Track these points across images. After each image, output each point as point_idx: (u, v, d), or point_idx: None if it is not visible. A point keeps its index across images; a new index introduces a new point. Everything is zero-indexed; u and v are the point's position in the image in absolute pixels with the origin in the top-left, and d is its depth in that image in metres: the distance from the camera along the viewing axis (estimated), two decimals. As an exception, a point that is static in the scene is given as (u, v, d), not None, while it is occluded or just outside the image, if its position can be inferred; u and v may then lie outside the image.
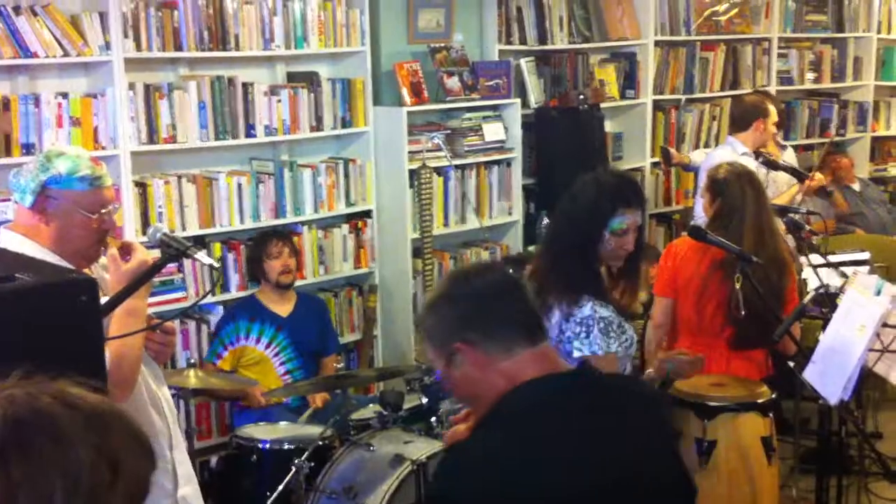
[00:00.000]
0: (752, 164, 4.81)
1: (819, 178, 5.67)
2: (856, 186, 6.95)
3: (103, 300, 2.34)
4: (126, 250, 2.56)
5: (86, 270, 2.54)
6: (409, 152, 5.20)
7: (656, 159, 6.37)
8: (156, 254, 2.66)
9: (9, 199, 4.07)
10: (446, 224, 5.52)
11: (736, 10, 6.78)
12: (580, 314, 2.94)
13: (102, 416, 1.12)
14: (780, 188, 5.50)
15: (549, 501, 1.75)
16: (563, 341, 3.01)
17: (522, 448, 1.78)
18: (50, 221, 2.52)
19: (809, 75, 7.38)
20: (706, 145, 6.61)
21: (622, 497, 1.81)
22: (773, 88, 6.95)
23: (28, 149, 4.17)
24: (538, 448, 1.78)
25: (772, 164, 5.27)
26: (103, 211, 2.56)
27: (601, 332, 2.93)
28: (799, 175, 5.45)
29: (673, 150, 6.16)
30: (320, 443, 3.69)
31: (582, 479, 1.77)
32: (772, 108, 5.42)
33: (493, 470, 1.77)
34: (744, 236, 3.77)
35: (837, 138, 7.42)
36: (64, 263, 2.44)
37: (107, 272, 2.69)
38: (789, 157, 5.79)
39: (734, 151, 5.28)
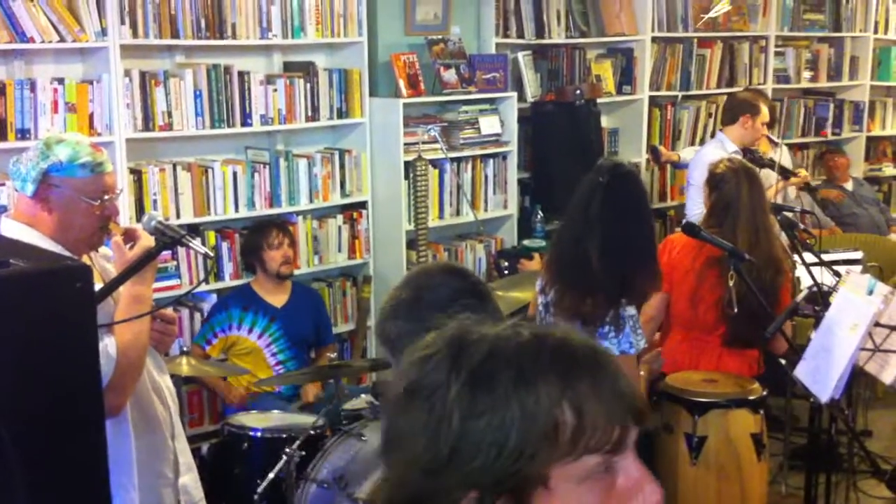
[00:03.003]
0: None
1: (803, 174, 5.69)
2: (849, 186, 6.97)
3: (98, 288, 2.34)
4: (129, 237, 2.56)
5: (84, 258, 2.53)
6: (405, 144, 5.20)
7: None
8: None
9: (3, 184, 4.07)
10: (441, 216, 5.52)
11: (733, 8, 6.78)
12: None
13: (573, 357, 1.08)
14: (768, 182, 5.50)
15: None
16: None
17: None
18: (52, 210, 2.50)
19: (806, 74, 7.38)
20: (702, 142, 6.60)
21: None
22: (769, 86, 6.97)
23: (24, 134, 4.16)
24: None
25: (757, 161, 5.27)
26: (106, 197, 2.55)
27: (632, 329, 2.95)
28: (784, 172, 5.46)
29: (662, 148, 6.17)
30: (312, 432, 3.69)
31: None
32: (764, 109, 5.41)
33: None
34: (737, 233, 3.77)
35: (833, 137, 7.44)
36: (65, 252, 2.43)
37: (109, 262, 2.69)
38: (784, 155, 5.80)
39: (723, 147, 5.28)
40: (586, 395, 1.05)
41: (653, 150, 6.13)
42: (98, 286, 2.40)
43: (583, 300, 3.01)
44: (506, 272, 5.19)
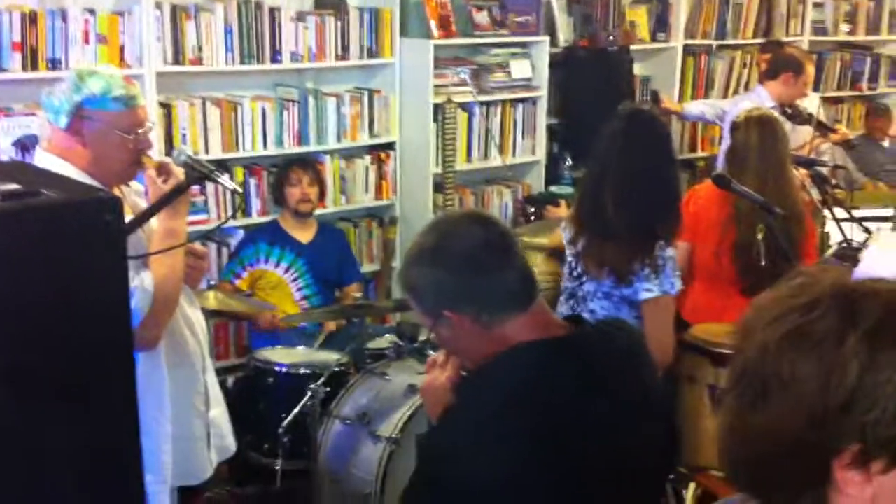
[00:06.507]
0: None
1: (843, 130, 5.61)
2: (886, 143, 6.88)
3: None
4: (163, 170, 2.57)
5: (116, 192, 2.54)
6: (435, 86, 5.16)
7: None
8: None
9: (34, 114, 4.07)
10: (469, 160, 5.50)
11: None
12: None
13: None
14: (805, 138, 5.43)
15: (547, 477, 1.70)
16: (621, 285, 3.01)
17: (514, 422, 1.71)
18: (86, 143, 2.51)
19: (844, 27, 7.25)
20: (735, 93, 6.52)
21: (607, 468, 1.76)
22: (805, 38, 6.86)
23: (54, 64, 4.15)
24: (530, 422, 1.70)
25: (795, 117, 5.20)
26: (140, 131, 2.55)
27: (671, 270, 2.95)
28: (822, 127, 5.39)
29: (664, 96, 6.08)
30: (336, 369, 3.73)
31: (570, 453, 1.72)
32: (808, 70, 5.32)
33: (487, 446, 1.72)
34: (745, 179, 3.72)
35: (868, 92, 7.32)
36: (98, 185, 2.44)
37: (140, 197, 2.70)
38: (811, 104, 5.70)
39: (760, 101, 5.21)
40: None
41: (653, 96, 6.05)
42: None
43: (606, 249, 3.01)
44: (532, 218, 5.18)
